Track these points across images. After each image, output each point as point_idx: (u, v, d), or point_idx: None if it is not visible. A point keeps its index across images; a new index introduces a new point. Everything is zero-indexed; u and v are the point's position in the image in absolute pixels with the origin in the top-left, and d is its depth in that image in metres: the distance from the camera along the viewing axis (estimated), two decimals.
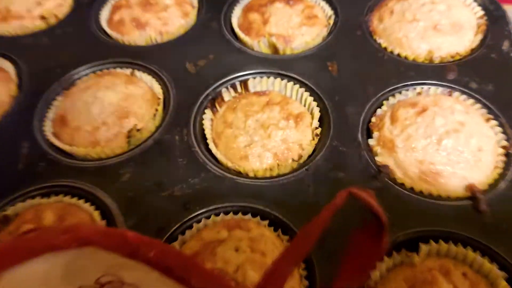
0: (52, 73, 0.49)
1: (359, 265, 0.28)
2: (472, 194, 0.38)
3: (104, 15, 0.56)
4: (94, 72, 0.50)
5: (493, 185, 0.39)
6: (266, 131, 0.43)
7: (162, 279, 0.27)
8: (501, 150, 0.40)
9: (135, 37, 0.53)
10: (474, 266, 0.35)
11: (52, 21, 0.55)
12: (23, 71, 0.50)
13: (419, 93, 0.45)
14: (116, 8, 0.55)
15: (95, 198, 0.40)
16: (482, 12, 0.51)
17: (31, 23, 0.55)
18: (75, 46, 0.52)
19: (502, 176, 0.39)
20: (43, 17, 0.55)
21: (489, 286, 0.34)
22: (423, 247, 0.35)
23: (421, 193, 0.38)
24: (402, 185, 0.39)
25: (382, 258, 0.30)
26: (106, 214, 0.39)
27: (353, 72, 0.47)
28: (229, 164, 0.42)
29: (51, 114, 0.46)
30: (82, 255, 0.26)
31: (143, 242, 0.26)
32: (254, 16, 0.53)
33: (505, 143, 0.41)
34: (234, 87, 0.48)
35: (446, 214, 0.37)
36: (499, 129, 0.42)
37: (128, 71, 0.49)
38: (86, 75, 0.49)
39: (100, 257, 0.27)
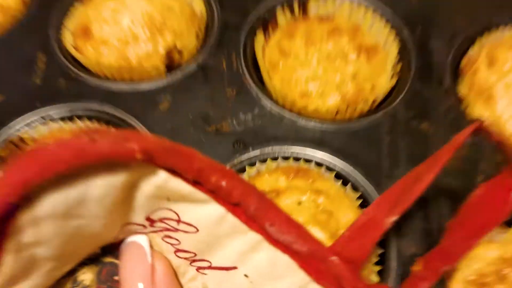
0: None
1: (479, 224, 0.22)
2: None
3: None
4: None
5: None
6: (332, 65, 0.36)
7: (228, 218, 0.22)
8: None
9: None
10: None
11: None
12: None
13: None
14: None
15: (128, 126, 0.33)
16: None
17: None
18: None
19: None
20: None
21: None
22: None
23: None
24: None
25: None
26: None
27: None
28: (285, 101, 0.35)
29: (70, 24, 0.38)
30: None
31: (211, 165, 0.20)
32: None
33: None
34: (291, 7, 0.39)
35: None
36: None
37: None
38: None
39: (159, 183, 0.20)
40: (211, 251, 0.25)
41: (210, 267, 0.25)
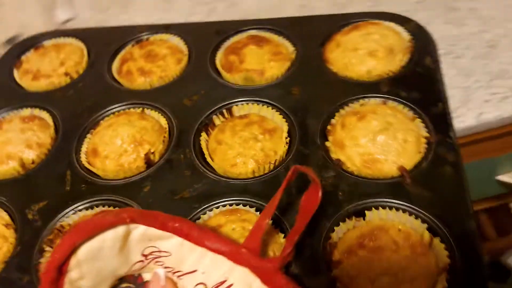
0: (80, 117, 0.64)
1: (306, 214, 0.42)
2: (401, 172, 0.51)
3: (115, 67, 0.71)
4: (113, 113, 0.64)
5: (417, 165, 0.52)
6: (248, 144, 0.57)
7: (184, 244, 0.41)
8: (424, 140, 0.54)
9: (141, 83, 0.67)
10: (407, 224, 0.48)
11: (74, 76, 0.70)
12: (58, 118, 0.64)
13: (362, 104, 0.59)
14: (124, 61, 0.70)
15: (126, 205, 0.54)
16: (410, 37, 0.65)
17: (57, 80, 0.69)
18: (95, 94, 0.67)
19: (424, 159, 0.53)
20: (67, 74, 0.70)
21: (418, 236, 0.47)
22: (368, 213, 0.49)
23: (365, 177, 0.52)
24: (351, 172, 0.53)
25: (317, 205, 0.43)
26: None
27: (311, 94, 0.61)
28: (222, 171, 0.56)
29: (84, 148, 0.61)
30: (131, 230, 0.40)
31: (168, 217, 0.40)
32: (233, 58, 0.67)
33: (426, 134, 0.55)
34: (222, 113, 0.62)
35: (384, 189, 0.51)
36: (422, 124, 0.56)
37: (139, 110, 0.64)
38: (107, 115, 0.64)
39: (142, 232, 0.40)
40: (180, 265, 0.44)
41: (183, 274, 0.44)
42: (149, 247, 0.42)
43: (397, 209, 0.49)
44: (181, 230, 0.40)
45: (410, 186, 0.50)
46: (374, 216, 0.49)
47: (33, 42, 0.76)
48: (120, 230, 0.39)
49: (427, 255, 0.46)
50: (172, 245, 0.42)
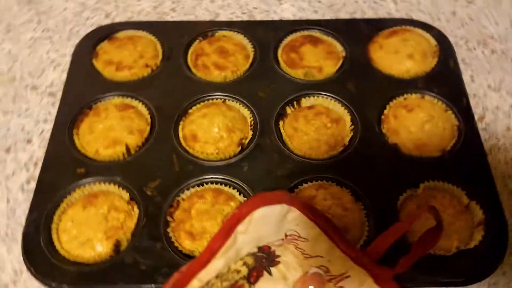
0: (170, 106, 0.74)
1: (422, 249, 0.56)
2: (442, 153, 0.68)
3: (190, 60, 0.81)
4: (198, 103, 0.75)
5: (452, 147, 0.69)
6: (321, 131, 0.71)
7: (321, 236, 0.55)
8: (456, 127, 0.71)
9: (216, 76, 0.78)
10: (449, 192, 0.66)
11: (154, 67, 0.80)
12: (150, 106, 0.74)
13: (405, 98, 0.75)
14: (198, 55, 0.81)
15: (231, 182, 0.67)
16: (435, 42, 0.81)
17: (139, 71, 0.79)
18: (179, 85, 0.77)
19: (457, 141, 0.70)
20: (147, 65, 0.79)
21: (457, 200, 0.65)
22: (421, 185, 0.66)
23: (416, 156, 0.69)
24: (405, 154, 0.69)
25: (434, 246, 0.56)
26: (240, 191, 0.66)
27: (364, 88, 0.76)
28: (301, 153, 0.69)
29: (180, 134, 0.72)
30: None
31: (316, 212, 0.53)
32: (294, 55, 0.80)
33: (457, 123, 0.72)
34: (293, 104, 0.75)
35: (430, 165, 0.68)
36: (453, 115, 0.73)
37: (221, 100, 0.75)
38: (194, 105, 0.75)
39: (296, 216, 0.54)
40: (311, 250, 0.54)
41: (310, 256, 0.54)
42: (292, 230, 0.55)
43: (442, 181, 0.66)
44: (320, 225, 0.54)
45: (451, 163, 0.67)
46: (425, 187, 0.66)
47: (105, 34, 0.84)
48: (285, 208, 0.52)
49: (465, 213, 0.64)
50: (310, 233, 0.55)
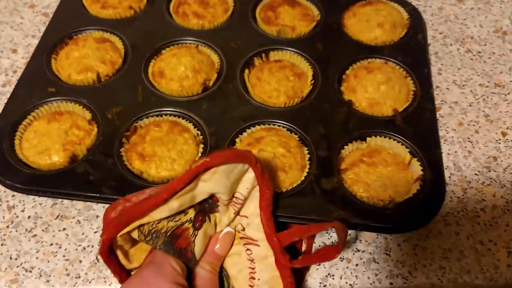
0: (145, 45, 0.78)
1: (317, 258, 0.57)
2: (394, 113, 0.71)
3: (172, 7, 0.85)
4: (172, 45, 0.79)
5: (406, 109, 0.72)
6: (282, 82, 0.74)
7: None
8: (412, 93, 0.74)
9: (194, 24, 0.82)
10: (395, 149, 0.68)
11: (137, 10, 0.84)
12: (126, 43, 0.79)
13: (369, 62, 0.78)
14: (180, 4, 0.85)
15: (188, 117, 0.70)
16: (408, 16, 0.84)
17: (123, 11, 0.83)
18: (157, 27, 0.81)
19: (411, 105, 0.73)
20: (131, 7, 0.84)
21: (401, 157, 0.67)
22: (368, 139, 0.68)
23: (368, 114, 0.72)
24: (358, 110, 0.72)
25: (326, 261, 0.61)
26: (196, 125, 0.70)
27: (331, 50, 0.79)
28: (261, 100, 0.73)
29: (150, 70, 0.76)
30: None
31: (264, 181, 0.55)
32: (270, 13, 0.84)
33: (414, 89, 0.74)
34: (261, 56, 0.79)
35: (381, 123, 0.70)
36: (411, 82, 0.75)
37: (194, 45, 0.79)
38: (168, 46, 0.79)
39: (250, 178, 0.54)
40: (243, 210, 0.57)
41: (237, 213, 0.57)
42: (240, 192, 0.55)
43: (390, 137, 0.69)
44: (261, 191, 0.55)
45: (400, 122, 0.70)
46: (372, 142, 0.69)
47: None
48: (245, 167, 0.53)
49: (407, 170, 0.66)
50: (250, 195, 0.56)
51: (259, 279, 0.56)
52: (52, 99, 0.71)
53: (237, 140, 0.68)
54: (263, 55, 0.79)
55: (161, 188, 0.52)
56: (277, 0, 0.86)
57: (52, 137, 0.67)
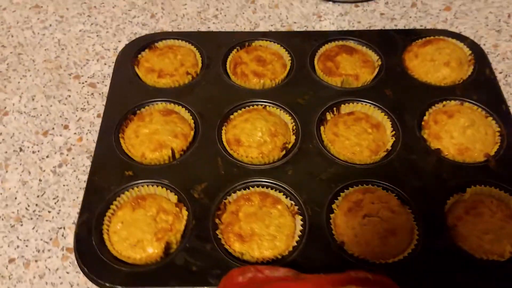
0: (213, 112, 0.75)
1: None
2: (486, 157, 0.69)
3: (229, 69, 0.82)
4: (240, 109, 0.76)
5: (497, 152, 0.70)
6: (362, 136, 0.72)
7: None
8: (497, 133, 0.72)
9: (255, 83, 0.80)
10: (496, 197, 0.66)
11: (194, 75, 0.81)
12: (193, 111, 0.76)
13: (444, 105, 0.76)
14: (236, 64, 0.82)
15: (276, 185, 0.67)
16: (470, 51, 0.83)
17: (180, 78, 0.80)
18: (219, 92, 0.78)
19: (500, 146, 0.71)
20: (188, 73, 0.81)
21: (505, 204, 0.65)
22: (468, 190, 0.66)
23: (460, 161, 0.69)
24: (448, 158, 0.70)
25: None
26: (286, 194, 0.66)
27: (402, 95, 0.77)
28: (343, 158, 0.70)
29: (223, 138, 0.73)
30: None
31: None
32: (330, 64, 0.82)
33: (498, 128, 0.73)
34: (332, 110, 0.77)
35: (477, 170, 0.68)
36: (493, 121, 0.74)
37: (261, 106, 0.77)
38: (235, 111, 0.76)
39: None
40: None
41: None
42: None
43: (490, 185, 0.66)
44: None
45: (494, 167, 0.68)
46: (471, 191, 0.66)
47: (146, 43, 0.86)
48: None
49: None
50: None
51: None
52: (131, 183, 0.68)
53: (334, 206, 0.65)
54: (334, 108, 0.77)
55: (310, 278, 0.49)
56: (334, 49, 0.84)
57: (141, 227, 0.63)
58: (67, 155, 0.77)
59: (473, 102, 0.76)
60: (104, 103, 0.80)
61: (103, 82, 0.87)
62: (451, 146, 0.71)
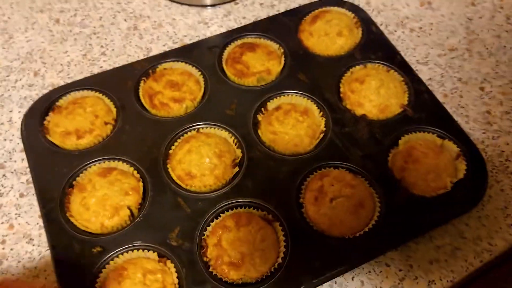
0: (151, 153, 0.73)
1: None
2: (402, 108, 0.78)
3: (146, 103, 0.80)
4: (175, 140, 0.75)
5: (408, 100, 0.80)
6: (297, 126, 0.77)
7: None
8: (403, 82, 0.82)
9: (177, 110, 0.79)
10: (422, 139, 0.76)
11: (113, 122, 0.77)
12: (131, 161, 0.73)
13: (351, 72, 0.83)
14: (151, 96, 0.80)
15: (244, 203, 0.70)
16: (353, 14, 0.90)
17: (102, 131, 0.76)
18: (147, 131, 0.76)
19: (410, 95, 0.80)
20: (106, 123, 0.76)
21: (433, 143, 0.75)
22: (399, 142, 0.75)
23: (384, 119, 0.78)
24: (373, 119, 0.78)
25: None
26: (256, 208, 0.69)
27: (314, 74, 0.83)
28: (290, 153, 0.75)
29: (173, 175, 0.72)
30: None
31: None
32: (240, 66, 0.83)
33: (401, 78, 0.82)
34: (261, 111, 0.79)
35: (399, 123, 0.77)
36: (395, 73, 0.83)
37: (194, 132, 0.77)
38: (173, 144, 0.75)
39: None
40: None
41: None
42: None
43: (414, 131, 0.76)
44: None
45: (411, 114, 0.78)
46: (402, 142, 0.75)
47: (44, 107, 0.79)
48: None
49: (443, 152, 0.74)
50: None
51: None
52: (104, 259, 0.65)
53: (301, 201, 0.70)
54: (262, 108, 0.80)
55: None
56: (236, 50, 0.86)
57: None
58: (3, 248, 0.69)
59: (373, 61, 0.84)
60: (21, 180, 0.75)
61: (10, 159, 0.78)
62: (372, 108, 0.79)
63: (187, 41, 0.92)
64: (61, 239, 0.66)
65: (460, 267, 0.68)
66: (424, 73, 0.86)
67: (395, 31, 0.94)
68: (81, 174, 0.72)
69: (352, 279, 0.67)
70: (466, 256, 0.69)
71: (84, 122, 0.76)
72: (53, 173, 0.72)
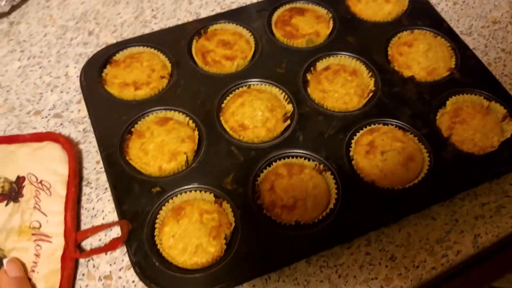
0: (204, 106, 0.76)
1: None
2: (450, 71, 0.80)
3: (198, 61, 0.83)
4: (228, 95, 0.78)
5: (456, 64, 0.81)
6: (346, 85, 0.79)
7: None
8: (449, 48, 0.83)
9: (229, 67, 0.82)
10: (469, 101, 0.77)
11: (168, 76, 0.80)
12: (187, 112, 0.76)
13: (399, 37, 0.85)
14: (204, 53, 0.83)
15: (295, 153, 0.72)
16: None
17: (158, 84, 0.78)
18: (202, 85, 0.78)
19: (456, 58, 0.82)
20: (162, 76, 0.79)
21: (480, 105, 0.77)
22: (447, 102, 0.76)
23: (432, 80, 0.79)
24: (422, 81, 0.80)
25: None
26: (307, 158, 0.72)
27: (363, 38, 0.85)
28: (338, 109, 0.77)
29: (226, 127, 0.74)
30: None
31: None
32: (289, 28, 0.86)
33: (448, 44, 0.84)
34: (310, 70, 0.82)
35: (447, 85, 0.79)
36: (442, 39, 0.84)
37: (246, 87, 0.79)
38: (225, 98, 0.77)
39: None
40: None
41: None
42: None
43: (462, 93, 0.77)
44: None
45: (459, 76, 0.79)
46: (450, 103, 0.77)
47: (101, 61, 0.82)
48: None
49: (490, 113, 0.76)
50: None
51: (38, 272, 0.62)
52: (163, 198, 0.67)
53: (351, 154, 0.72)
54: (311, 68, 0.82)
55: None
56: (285, 13, 0.88)
57: (194, 233, 0.64)
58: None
59: (420, 28, 0.86)
60: (78, 129, 0.78)
61: (67, 109, 0.82)
62: (420, 71, 0.80)
63: (235, 7, 0.94)
64: (121, 180, 0.69)
65: (505, 223, 0.70)
66: (468, 43, 0.87)
67: (439, 3, 0.95)
68: (139, 122, 0.75)
69: (399, 231, 0.69)
70: (511, 213, 0.70)
71: (141, 75, 0.79)
72: (112, 121, 0.75)
